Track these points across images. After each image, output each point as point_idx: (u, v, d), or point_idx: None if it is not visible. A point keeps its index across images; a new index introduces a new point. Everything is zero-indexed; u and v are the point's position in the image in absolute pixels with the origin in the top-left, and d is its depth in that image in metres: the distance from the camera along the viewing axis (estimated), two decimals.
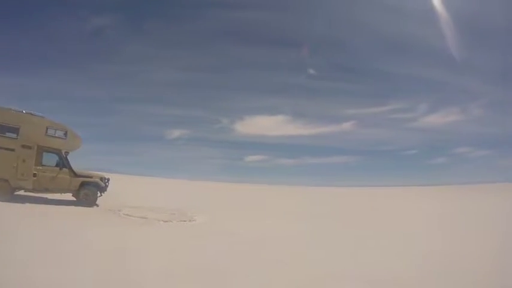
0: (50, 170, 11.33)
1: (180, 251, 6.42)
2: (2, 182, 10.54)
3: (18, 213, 9.18)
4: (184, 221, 10.66)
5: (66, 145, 11.76)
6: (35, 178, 10.91)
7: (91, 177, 12.16)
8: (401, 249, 7.77)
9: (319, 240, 8.82)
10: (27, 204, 10.39)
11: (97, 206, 11.89)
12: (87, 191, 11.83)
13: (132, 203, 13.85)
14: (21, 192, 11.19)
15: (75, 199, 11.91)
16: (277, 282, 4.80)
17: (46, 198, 11.82)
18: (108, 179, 12.75)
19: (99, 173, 12.98)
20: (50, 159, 11.53)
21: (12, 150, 10.63)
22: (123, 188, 20.10)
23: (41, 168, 11.14)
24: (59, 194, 11.85)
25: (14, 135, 10.72)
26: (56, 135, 11.52)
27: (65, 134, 11.71)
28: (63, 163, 11.61)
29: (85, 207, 11.26)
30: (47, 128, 11.33)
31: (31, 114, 11.17)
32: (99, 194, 12.06)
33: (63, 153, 11.69)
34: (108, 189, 12.48)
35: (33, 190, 11.16)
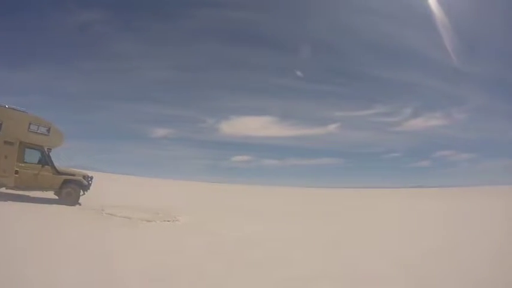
0: (32, 167, 11.12)
1: (163, 251, 6.50)
2: None
3: None
4: (168, 221, 10.72)
5: (49, 142, 11.56)
6: (16, 175, 10.68)
7: (74, 175, 12.01)
8: (384, 248, 8.09)
9: (303, 240, 9.11)
10: (9, 202, 10.19)
11: (79, 204, 11.75)
12: (70, 189, 11.67)
13: (115, 202, 13.78)
14: (1, 190, 10.91)
15: (57, 197, 11.75)
16: (261, 282, 4.97)
17: (27, 196, 11.59)
18: (91, 177, 12.63)
19: (82, 171, 12.85)
20: (32, 156, 11.31)
21: None
22: (107, 186, 19.88)
23: (23, 165, 10.91)
24: (41, 192, 11.63)
25: None
26: (39, 131, 11.30)
27: (48, 130, 11.51)
28: (45, 160, 11.41)
29: (67, 206, 11.10)
30: (29, 124, 11.09)
31: (13, 109, 10.93)
32: (81, 193, 11.92)
33: (45, 150, 11.49)
34: (91, 187, 12.35)
35: (15, 188, 10.93)
